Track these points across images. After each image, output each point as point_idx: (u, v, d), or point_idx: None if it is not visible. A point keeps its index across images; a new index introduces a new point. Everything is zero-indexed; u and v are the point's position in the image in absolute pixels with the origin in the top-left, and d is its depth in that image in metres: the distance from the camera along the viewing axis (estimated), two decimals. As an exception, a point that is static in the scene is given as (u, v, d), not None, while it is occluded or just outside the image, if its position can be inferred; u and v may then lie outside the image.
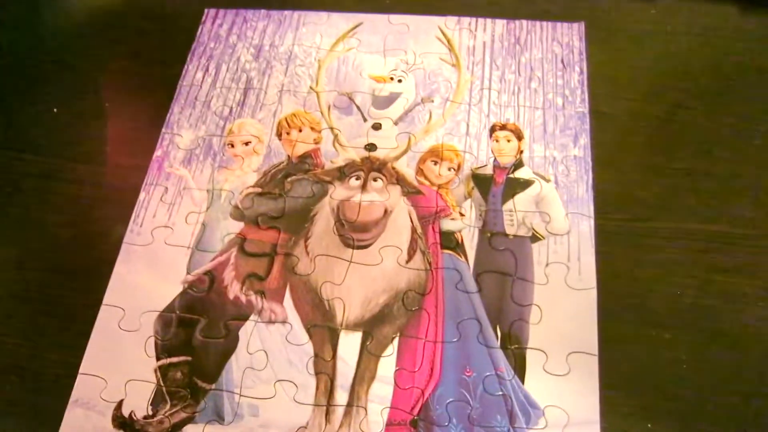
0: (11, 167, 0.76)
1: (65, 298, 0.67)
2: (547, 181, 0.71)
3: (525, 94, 0.78)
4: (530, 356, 0.61)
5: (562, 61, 0.80)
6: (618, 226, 0.68)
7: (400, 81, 0.79)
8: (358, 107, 0.77)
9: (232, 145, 0.75)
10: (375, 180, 0.70)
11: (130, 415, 0.59)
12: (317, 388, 0.60)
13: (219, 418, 0.59)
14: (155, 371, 0.61)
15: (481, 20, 0.84)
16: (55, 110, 0.80)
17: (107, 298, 0.65)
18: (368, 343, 0.62)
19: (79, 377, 0.61)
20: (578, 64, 0.80)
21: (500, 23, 0.84)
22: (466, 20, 0.84)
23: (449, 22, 0.84)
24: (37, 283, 0.69)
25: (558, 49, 0.81)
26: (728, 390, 0.60)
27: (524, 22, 0.84)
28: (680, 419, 0.59)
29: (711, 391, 0.60)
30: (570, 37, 0.82)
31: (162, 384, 0.61)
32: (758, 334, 0.62)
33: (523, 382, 0.60)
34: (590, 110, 0.76)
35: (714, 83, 0.78)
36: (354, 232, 0.67)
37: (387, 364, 0.61)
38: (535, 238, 0.67)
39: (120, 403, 0.60)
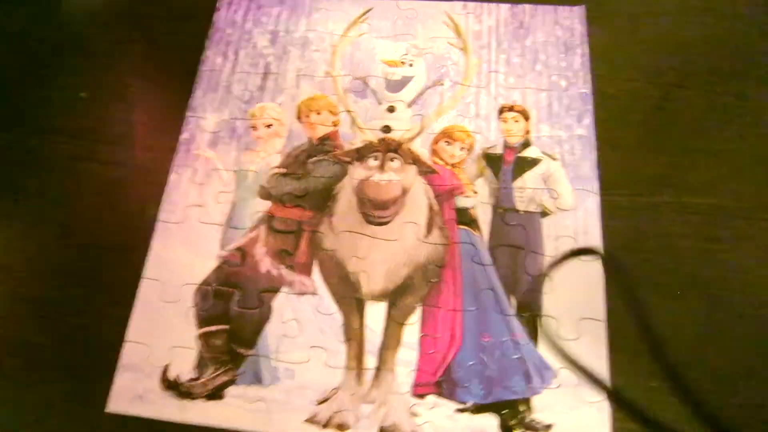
0: (46, 150, 0.79)
1: (107, 272, 0.71)
2: (554, 159, 0.75)
3: (530, 77, 0.82)
4: (543, 323, 0.66)
5: (565, 44, 0.84)
6: (621, 201, 0.73)
7: (411, 65, 0.83)
8: (372, 90, 0.81)
9: (255, 128, 0.78)
10: (392, 160, 0.74)
11: (176, 378, 0.64)
12: (348, 353, 0.65)
13: (258, 380, 0.64)
14: (197, 339, 0.66)
15: (486, 5, 0.88)
16: (82, 95, 0.83)
17: (147, 272, 0.70)
18: (393, 311, 0.67)
19: (126, 344, 0.66)
20: (580, 47, 0.84)
21: (504, 7, 0.88)
22: (472, 5, 0.88)
23: (456, 7, 0.88)
24: (79, 258, 0.72)
25: (560, 32, 0.85)
26: (726, 348, 0.65)
27: (527, 6, 0.88)
28: (681, 378, 0.64)
29: (709, 352, 0.65)
30: (571, 20, 0.86)
31: (204, 350, 0.65)
32: (754, 298, 0.68)
33: (536, 346, 0.65)
34: (593, 91, 0.80)
35: (710, 62, 0.83)
36: (375, 210, 0.71)
37: (411, 331, 0.66)
38: (544, 213, 0.72)
39: (166, 368, 0.65)
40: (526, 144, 0.77)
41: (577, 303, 0.67)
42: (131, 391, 0.64)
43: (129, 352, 0.66)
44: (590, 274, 0.68)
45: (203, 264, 0.70)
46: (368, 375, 0.64)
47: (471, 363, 0.65)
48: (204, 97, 0.81)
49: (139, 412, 0.63)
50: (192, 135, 0.79)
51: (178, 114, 0.80)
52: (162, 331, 0.66)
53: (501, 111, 0.79)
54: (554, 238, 0.71)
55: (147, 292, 0.68)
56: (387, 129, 0.78)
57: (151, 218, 0.73)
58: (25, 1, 0.91)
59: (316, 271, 0.70)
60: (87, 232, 0.74)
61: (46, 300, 0.70)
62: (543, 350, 0.65)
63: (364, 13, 0.88)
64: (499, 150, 0.76)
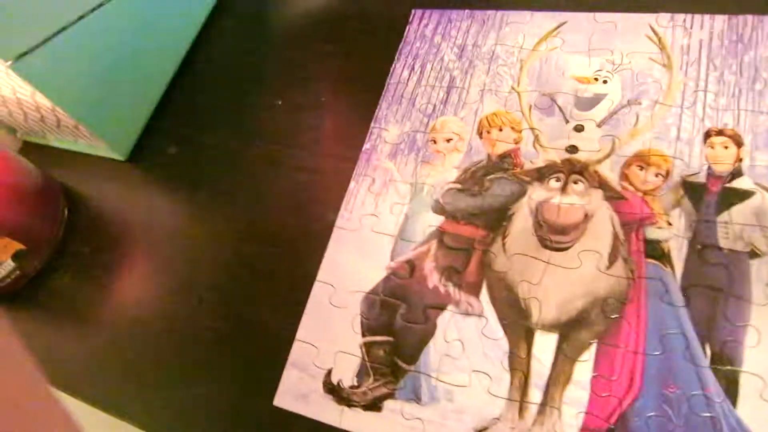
0: (243, 153, 0.87)
1: (283, 270, 0.75)
2: (771, 193, 0.65)
3: (747, 97, 0.72)
4: (744, 380, 0.57)
5: (795, 62, 0.73)
6: None
7: (605, 82, 0.77)
8: (560, 108, 0.77)
9: (435, 142, 0.78)
10: (576, 183, 0.70)
11: (338, 382, 0.66)
12: (512, 383, 0.62)
13: (416, 397, 0.64)
14: (361, 347, 0.67)
15: (698, 16, 0.79)
16: (279, 102, 0.89)
17: (320, 275, 0.73)
18: (564, 345, 0.62)
19: (295, 343, 0.69)
20: (814, 65, 0.72)
21: (720, 19, 0.78)
22: (680, 17, 0.80)
23: (661, 20, 0.80)
24: (259, 255, 0.78)
25: (790, 47, 0.74)
26: None
27: (749, 17, 0.77)
28: None
29: None
30: (805, 33, 0.75)
31: (366, 359, 0.66)
32: None
33: (734, 406, 0.56)
34: (827, 116, 0.68)
35: None
36: (552, 234, 0.67)
37: (583, 369, 0.61)
38: (753, 254, 0.63)
39: (329, 371, 0.67)
40: (736, 173, 0.67)
41: (790, 364, 0.57)
42: (296, 389, 0.66)
43: (297, 351, 0.69)
44: (812, 332, 0.57)
45: (373, 273, 0.71)
46: (532, 410, 0.61)
47: (651, 414, 0.58)
48: (388, 108, 0.83)
49: (301, 410, 0.65)
50: (374, 145, 0.81)
51: (364, 124, 0.83)
52: (329, 335, 0.69)
53: (708, 135, 0.70)
54: (765, 283, 0.61)
55: (318, 294, 0.71)
56: (573, 149, 0.73)
57: (329, 223, 0.76)
58: (236, 18, 1.01)
59: (484, 292, 0.67)
60: (272, 230, 0.79)
61: (229, 291, 0.76)
62: (743, 412, 0.56)
63: (558, 27, 0.84)
64: (702, 179, 0.68)
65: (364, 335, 0.68)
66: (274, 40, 0.97)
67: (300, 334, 0.70)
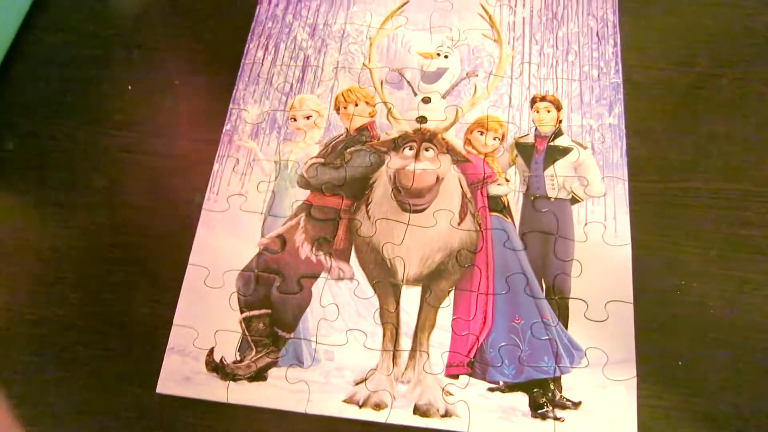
0: (95, 141, 0.83)
1: (154, 259, 0.75)
2: (585, 148, 0.77)
3: (563, 67, 0.84)
4: (572, 305, 0.69)
5: (597, 34, 0.85)
6: (650, 187, 0.75)
7: (446, 57, 0.85)
8: (408, 82, 0.84)
9: (295, 119, 0.82)
10: (427, 150, 0.77)
11: (221, 360, 0.68)
12: (384, 335, 0.68)
13: (299, 362, 0.68)
14: (240, 323, 0.70)
15: (519, -4, 0.89)
16: (129, 87, 0.87)
17: (192, 259, 0.74)
18: (427, 295, 0.70)
19: (173, 328, 0.70)
20: (612, 37, 0.85)
21: (538, -1, 0.89)
22: (505, -4, 0.90)
23: (490, -1, 0.90)
24: (128, 246, 0.76)
25: (593, 22, 0.87)
26: (752, 328, 0.67)
27: (561, -4, 0.89)
28: (708, 357, 0.66)
29: (736, 330, 0.67)
30: (604, 10, 0.87)
31: (247, 333, 0.69)
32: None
33: (566, 327, 0.68)
34: (624, 80, 0.82)
35: (741, 50, 0.83)
36: (410, 198, 0.74)
37: (445, 314, 0.69)
38: (574, 200, 0.74)
39: (211, 350, 0.69)
40: (557, 133, 0.78)
41: (605, 286, 0.69)
42: (179, 374, 0.68)
43: (176, 335, 0.70)
44: (618, 258, 0.70)
45: (245, 251, 0.74)
46: (404, 356, 0.68)
47: (502, 344, 0.67)
48: (246, 89, 0.85)
49: (186, 393, 0.67)
50: (234, 126, 0.82)
51: (222, 106, 0.84)
52: (207, 316, 0.70)
53: (533, 101, 0.81)
54: (584, 224, 0.73)
55: (193, 278, 0.72)
56: (422, 119, 0.80)
57: (197, 207, 0.77)
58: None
59: (353, 257, 0.73)
60: (137, 220, 0.78)
61: (97, 285, 0.75)
62: (573, 331, 0.67)
63: (401, 6, 0.90)
64: (531, 139, 0.78)
65: (242, 311, 0.71)
66: (116, 21, 0.93)
67: (177, 318, 0.71)
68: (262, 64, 0.86)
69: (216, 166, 0.80)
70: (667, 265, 0.71)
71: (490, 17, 0.88)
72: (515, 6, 0.88)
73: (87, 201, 0.80)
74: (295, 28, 0.89)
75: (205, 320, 0.71)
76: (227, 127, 0.82)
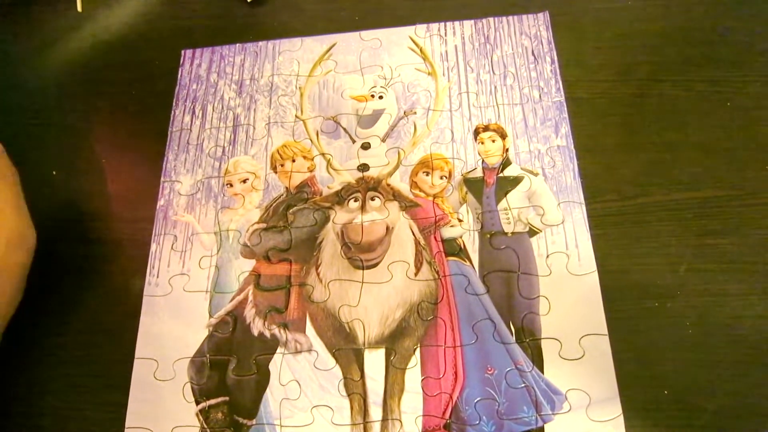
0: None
1: (98, 356, 0.70)
2: (536, 174, 0.74)
3: (502, 92, 0.81)
4: (545, 346, 0.65)
5: (533, 53, 0.83)
6: (608, 207, 0.72)
7: (381, 97, 0.82)
8: (344, 129, 0.80)
9: (231, 185, 0.77)
10: (373, 199, 0.73)
11: (181, 460, 0.63)
12: (351, 408, 0.64)
13: (264, 450, 0.63)
14: (197, 415, 0.65)
15: (449, 24, 0.87)
16: (54, 173, 0.82)
17: (138, 351, 0.68)
18: (392, 358, 0.66)
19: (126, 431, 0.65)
20: (548, 54, 0.83)
21: (468, 24, 0.86)
22: (435, 26, 0.87)
23: (419, 30, 0.87)
24: (70, 345, 0.71)
25: (527, 41, 0.84)
26: (734, 342, 0.64)
27: (491, 19, 0.86)
28: (693, 381, 0.63)
29: (718, 348, 0.64)
30: (537, 27, 0.85)
31: (206, 426, 0.64)
32: (754, 287, 0.66)
33: (542, 371, 0.64)
34: (566, 98, 0.79)
35: (681, 52, 0.81)
36: (361, 253, 0.70)
37: (413, 375, 0.65)
38: (532, 232, 0.71)
39: (169, 451, 0.63)
40: (506, 163, 0.75)
41: (577, 320, 0.65)
42: (137, 482, 0.62)
43: (130, 440, 0.64)
44: (586, 288, 0.66)
45: (194, 335, 0.69)
46: (375, 427, 0.63)
47: (478, 399, 0.63)
48: (176, 159, 0.80)
49: (150, 504, 0.62)
50: (168, 201, 0.78)
51: (154, 180, 0.79)
52: (161, 413, 0.65)
53: (477, 132, 0.78)
54: (545, 257, 0.69)
55: (141, 372, 0.67)
56: (364, 167, 0.76)
57: (138, 293, 0.72)
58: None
59: (309, 326, 0.68)
60: (77, 315, 0.73)
61: (43, 392, 0.69)
62: (549, 374, 0.63)
63: (328, 50, 0.87)
64: (479, 173, 0.75)
65: (198, 402, 0.65)
66: (30, 102, 0.88)
67: (129, 421, 0.65)
68: (191, 129, 0.82)
69: (153, 247, 0.75)
70: (638, 288, 0.67)
71: (420, 49, 0.85)
72: (445, 35, 0.86)
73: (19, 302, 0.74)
74: (221, 87, 0.85)
75: (159, 418, 0.65)
76: (161, 202, 0.78)
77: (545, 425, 0.61)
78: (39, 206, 0.79)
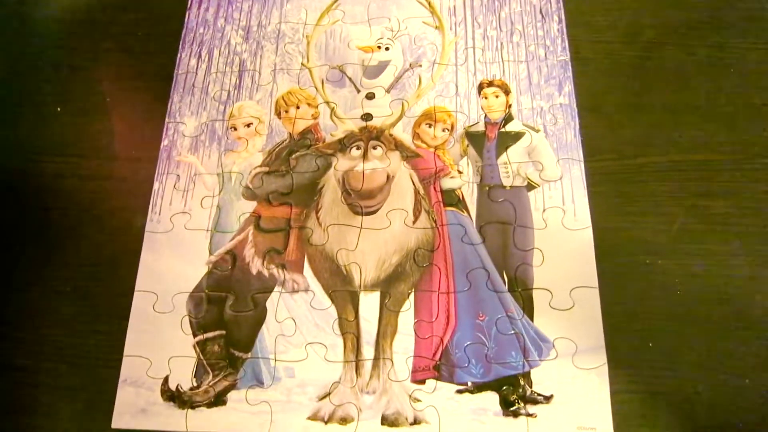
0: (24, 171, 0.79)
1: (99, 288, 0.71)
2: (537, 131, 0.74)
3: (508, 49, 0.81)
4: (536, 296, 0.66)
5: (541, 12, 0.83)
6: (606, 166, 0.73)
7: (387, 49, 0.82)
8: (350, 79, 0.80)
9: (235, 128, 0.78)
10: (375, 148, 0.74)
11: (176, 387, 0.65)
12: (345, 346, 0.66)
13: (259, 382, 0.65)
14: (194, 347, 0.67)
15: (458, -22, 0.86)
16: (58, 109, 0.82)
17: (139, 285, 0.70)
18: (387, 300, 0.67)
19: (124, 359, 0.67)
20: (556, 13, 0.83)
21: (477, -20, 0.86)
22: (444, -20, 0.86)
23: (428, -16, 0.86)
24: (71, 278, 0.72)
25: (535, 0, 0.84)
26: (720, 301, 0.66)
27: (501, -25, 0.86)
28: (678, 335, 0.64)
29: (704, 306, 0.65)
30: (546, -14, 0.85)
31: (202, 357, 0.66)
32: (743, 249, 0.68)
33: (532, 319, 0.65)
34: (571, 57, 0.79)
35: (687, 16, 0.81)
36: (361, 200, 0.71)
37: (406, 318, 0.66)
38: (530, 186, 0.72)
39: (166, 379, 0.65)
40: (508, 118, 0.76)
41: (568, 273, 0.66)
42: (134, 406, 0.64)
43: (128, 367, 0.66)
44: (579, 242, 0.68)
45: (194, 271, 0.70)
46: (367, 366, 0.65)
47: (468, 343, 0.65)
48: (181, 101, 0.81)
49: (143, 425, 0.64)
50: (172, 141, 0.78)
51: (158, 121, 0.80)
52: (159, 343, 0.67)
53: (481, 87, 0.78)
54: (542, 210, 0.70)
55: (141, 304, 0.69)
56: (368, 117, 0.77)
57: (139, 230, 0.73)
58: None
59: (307, 267, 0.70)
60: (77, 249, 0.74)
61: (43, 323, 0.71)
62: (539, 323, 0.65)
63: (336, 0, 0.86)
64: (481, 127, 0.76)
65: (195, 334, 0.67)
66: (40, 42, 0.88)
67: (128, 348, 0.67)
68: (197, 73, 0.82)
69: (156, 185, 0.76)
70: (631, 245, 0.69)
71: (429, 3, 0.84)
72: (455, -11, 0.85)
73: (20, 236, 0.75)
74: (228, 32, 0.85)
75: (157, 348, 0.67)
76: (165, 142, 0.78)
77: (531, 370, 0.63)
78: (43, 142, 0.81)
